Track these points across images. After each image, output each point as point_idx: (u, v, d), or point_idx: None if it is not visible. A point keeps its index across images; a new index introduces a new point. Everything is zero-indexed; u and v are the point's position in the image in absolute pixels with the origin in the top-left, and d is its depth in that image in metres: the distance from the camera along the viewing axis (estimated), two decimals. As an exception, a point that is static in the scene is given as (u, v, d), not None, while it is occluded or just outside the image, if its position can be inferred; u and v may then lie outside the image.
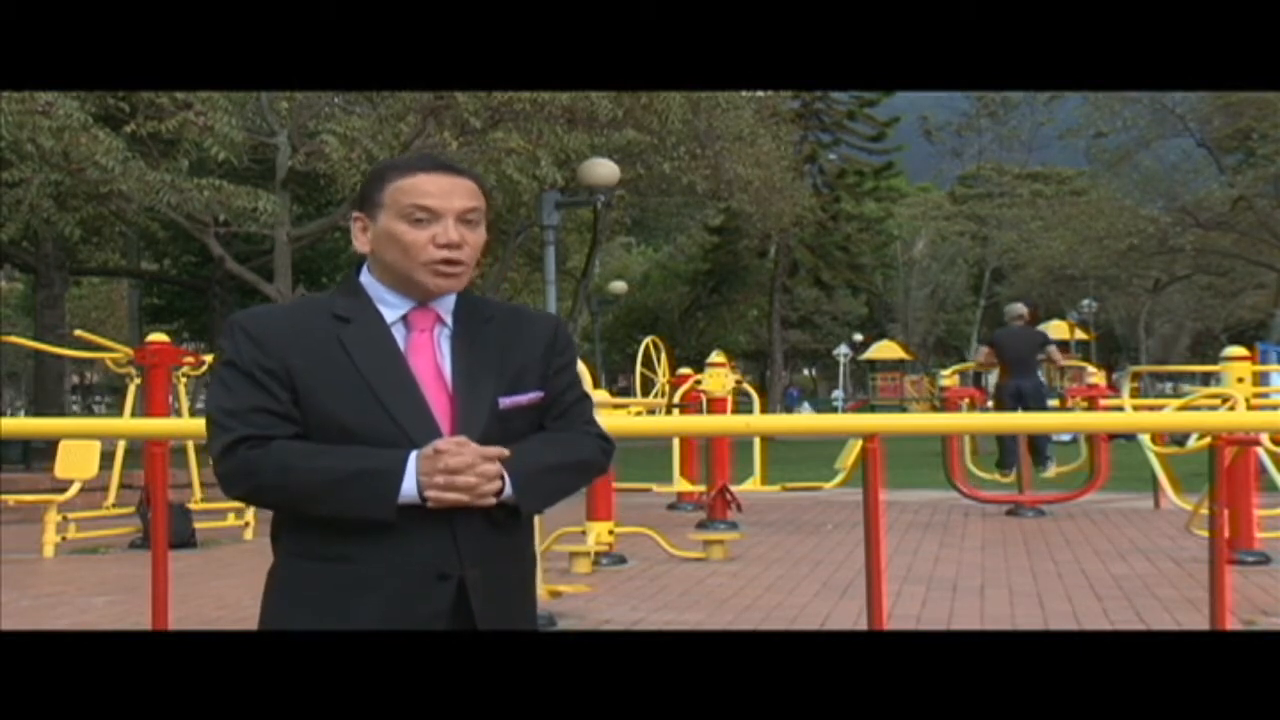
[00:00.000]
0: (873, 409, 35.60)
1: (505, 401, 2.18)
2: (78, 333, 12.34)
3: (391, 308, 2.20)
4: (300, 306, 2.28)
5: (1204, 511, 7.52)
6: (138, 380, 10.77)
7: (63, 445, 10.68)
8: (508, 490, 2.12)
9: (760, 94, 25.88)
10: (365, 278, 2.23)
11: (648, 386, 14.25)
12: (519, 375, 2.21)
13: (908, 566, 8.86)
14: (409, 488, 2.07)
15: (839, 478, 14.34)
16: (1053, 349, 13.90)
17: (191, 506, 11.08)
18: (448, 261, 2.16)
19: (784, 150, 28.80)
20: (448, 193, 2.18)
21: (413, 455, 2.08)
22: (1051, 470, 13.54)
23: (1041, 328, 16.25)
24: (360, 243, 2.23)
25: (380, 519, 2.07)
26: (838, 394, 56.71)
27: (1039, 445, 13.30)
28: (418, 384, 2.15)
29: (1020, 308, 14.04)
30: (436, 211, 2.16)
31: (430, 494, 2.07)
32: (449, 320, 2.22)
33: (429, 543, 2.11)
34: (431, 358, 2.18)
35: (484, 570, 2.14)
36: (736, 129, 23.52)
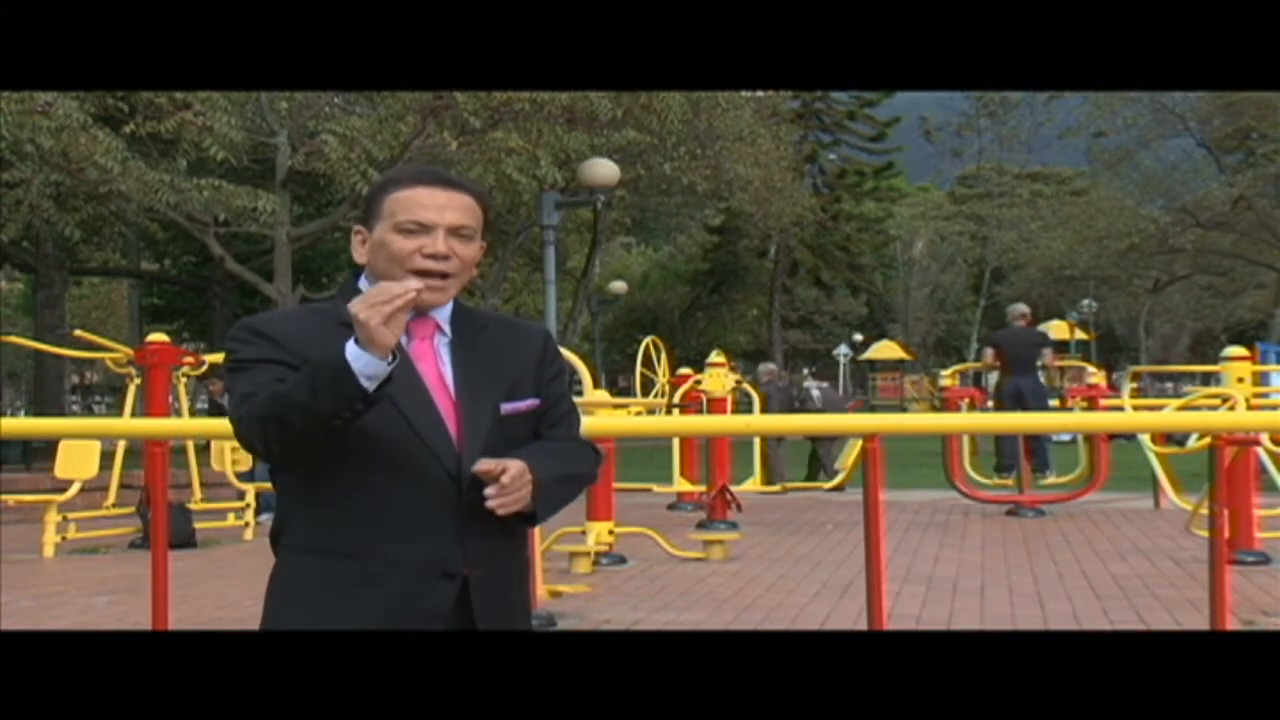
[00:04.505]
0: (873, 409, 35.56)
1: (506, 407, 2.21)
2: (78, 333, 12.33)
3: None
4: (305, 313, 2.28)
5: (1204, 511, 7.52)
6: (138, 380, 10.76)
7: (63, 445, 10.67)
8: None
9: (760, 94, 25.88)
10: (364, 284, 2.23)
11: (648, 386, 14.24)
12: (516, 383, 2.24)
13: (908, 566, 8.85)
14: (353, 353, 1.97)
15: (839, 478, 14.35)
16: (1047, 351, 13.91)
17: (191, 506, 11.07)
18: (431, 273, 2.16)
19: (784, 150, 28.82)
20: (442, 206, 2.19)
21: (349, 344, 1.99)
22: (1050, 479, 13.57)
23: (1041, 327, 16.27)
24: (359, 255, 2.25)
25: (354, 395, 1.98)
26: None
27: (1039, 452, 13.29)
28: (428, 390, 2.17)
29: (1022, 308, 14.08)
30: (428, 224, 2.18)
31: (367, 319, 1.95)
32: (447, 329, 2.24)
33: (433, 541, 2.13)
34: (434, 365, 2.21)
35: (487, 571, 2.17)
36: (736, 129, 23.51)
